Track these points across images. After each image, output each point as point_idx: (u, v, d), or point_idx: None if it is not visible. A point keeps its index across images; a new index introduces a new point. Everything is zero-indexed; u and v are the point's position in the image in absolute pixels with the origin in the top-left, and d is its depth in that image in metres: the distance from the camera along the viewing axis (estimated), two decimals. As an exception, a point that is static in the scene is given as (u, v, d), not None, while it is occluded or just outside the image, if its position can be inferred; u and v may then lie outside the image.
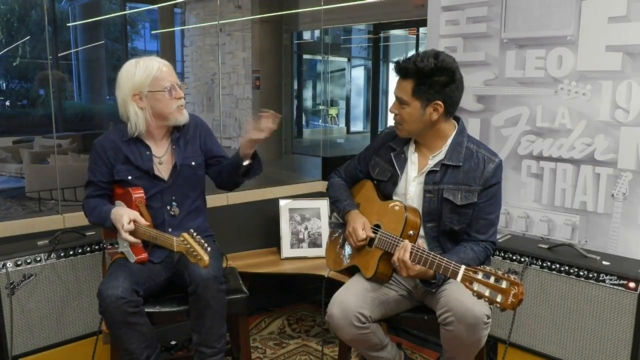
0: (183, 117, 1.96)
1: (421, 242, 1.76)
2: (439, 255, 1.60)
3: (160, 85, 1.89)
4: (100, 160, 1.95)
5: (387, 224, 1.80)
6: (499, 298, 1.44)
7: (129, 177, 1.94)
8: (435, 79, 1.68)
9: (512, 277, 1.44)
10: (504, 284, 1.44)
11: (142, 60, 1.91)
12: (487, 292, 1.46)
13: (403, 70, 1.72)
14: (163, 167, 1.98)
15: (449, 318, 1.62)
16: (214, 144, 2.11)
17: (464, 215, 1.76)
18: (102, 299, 1.75)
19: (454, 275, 1.54)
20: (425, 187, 1.78)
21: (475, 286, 1.48)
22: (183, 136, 2.02)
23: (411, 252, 1.64)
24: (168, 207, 1.99)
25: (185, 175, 2.01)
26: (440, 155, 1.79)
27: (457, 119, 1.83)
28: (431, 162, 1.79)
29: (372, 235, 1.82)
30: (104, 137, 1.98)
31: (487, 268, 1.49)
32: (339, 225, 1.99)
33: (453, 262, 1.56)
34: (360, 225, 1.82)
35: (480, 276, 1.48)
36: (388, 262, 1.76)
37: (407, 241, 1.68)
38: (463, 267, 1.53)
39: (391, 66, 12.16)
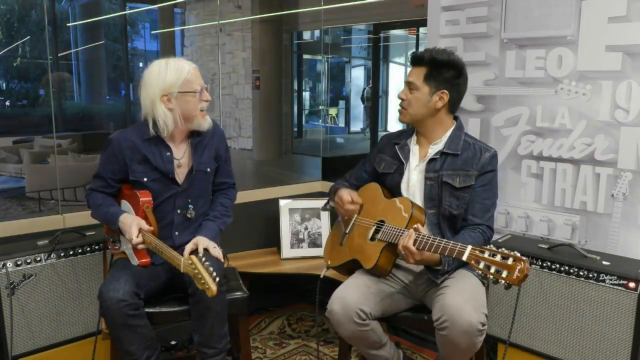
0: (205, 123, 1.96)
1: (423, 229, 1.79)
2: (444, 240, 1.64)
3: (191, 87, 1.89)
4: (114, 157, 1.91)
5: (392, 219, 1.84)
6: (504, 274, 1.47)
7: (145, 179, 1.91)
8: (446, 70, 1.84)
9: (517, 254, 1.48)
10: (509, 261, 1.48)
11: (172, 61, 1.89)
12: (492, 270, 1.49)
13: (419, 57, 1.87)
14: (180, 171, 1.96)
15: (444, 323, 1.63)
16: (224, 154, 2.10)
17: (462, 199, 1.83)
18: (102, 301, 1.75)
19: (460, 255, 1.58)
20: (426, 174, 1.88)
21: (481, 264, 1.52)
22: (201, 142, 2.00)
23: (415, 239, 1.68)
24: (179, 211, 1.97)
25: (199, 181, 2.00)
26: (440, 144, 1.89)
27: (456, 118, 1.95)
28: (431, 151, 1.89)
29: (359, 201, 1.94)
30: (122, 134, 1.93)
31: (493, 247, 1.53)
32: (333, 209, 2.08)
33: (459, 244, 1.60)
34: (345, 192, 1.95)
35: (486, 255, 1.52)
36: (390, 255, 1.81)
37: (411, 230, 1.71)
38: (469, 247, 1.57)
39: (391, 66, 12.21)
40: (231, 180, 2.15)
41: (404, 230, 1.75)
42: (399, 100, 1.93)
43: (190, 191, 1.98)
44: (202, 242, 1.88)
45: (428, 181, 1.87)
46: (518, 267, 1.45)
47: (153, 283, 1.91)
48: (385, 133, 2.14)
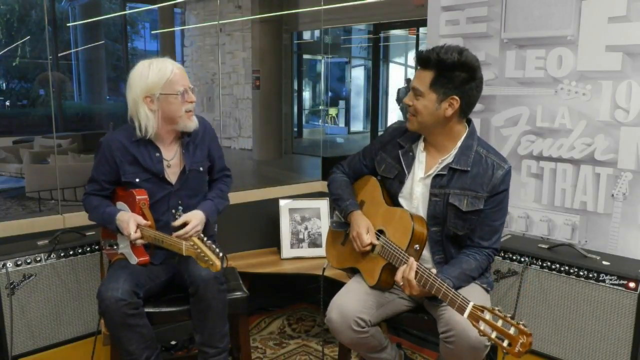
0: (192, 124, 1.93)
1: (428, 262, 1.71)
2: (445, 284, 1.55)
3: (173, 89, 1.86)
4: (105, 159, 1.93)
5: (392, 233, 1.76)
6: (505, 343, 1.39)
7: (137, 180, 1.91)
8: (456, 74, 1.63)
9: (521, 324, 1.38)
10: (512, 330, 1.38)
11: (156, 62, 1.88)
12: (493, 334, 1.41)
13: (425, 60, 1.67)
14: (171, 171, 1.96)
15: (450, 338, 1.60)
16: (217, 153, 2.10)
17: (468, 221, 1.72)
18: (101, 300, 1.75)
19: (461, 310, 1.49)
20: (431, 190, 1.74)
21: (482, 325, 1.44)
22: (192, 141, 2.00)
23: (417, 272, 1.60)
24: (173, 211, 1.97)
25: (192, 180, 2.00)
26: (448, 158, 1.74)
27: (469, 122, 1.78)
28: (439, 165, 1.74)
29: (376, 242, 1.78)
30: (111, 136, 1.95)
31: (496, 309, 1.43)
32: (342, 225, 1.96)
33: (461, 296, 1.50)
34: (364, 230, 1.78)
35: (488, 317, 1.43)
36: (391, 272, 1.73)
37: (412, 259, 1.63)
38: (471, 304, 1.47)
39: (391, 66, 12.21)
40: (227, 172, 2.17)
41: (404, 254, 1.67)
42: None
43: (183, 191, 1.98)
44: (192, 218, 1.90)
45: (433, 197, 1.73)
46: (520, 341, 1.36)
47: (152, 283, 1.91)
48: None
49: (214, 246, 1.69)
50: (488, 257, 1.75)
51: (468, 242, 1.76)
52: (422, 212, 1.77)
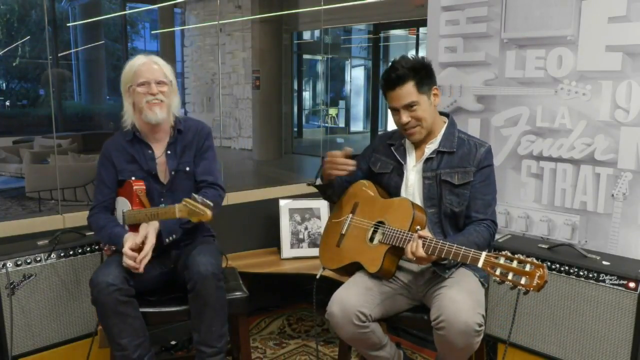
0: (152, 115, 1.92)
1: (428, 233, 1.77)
2: (455, 245, 1.62)
3: (137, 80, 1.94)
4: (107, 161, 1.99)
5: (392, 221, 1.82)
6: (523, 280, 1.46)
7: (132, 178, 1.95)
8: (427, 69, 1.84)
9: (535, 260, 1.47)
10: (527, 267, 1.46)
11: (133, 58, 1.99)
12: (510, 276, 1.48)
13: (399, 78, 1.80)
14: (160, 169, 1.99)
15: (441, 323, 1.63)
16: (202, 155, 2.05)
17: (462, 196, 1.83)
18: (93, 287, 1.76)
19: (475, 261, 1.56)
20: (423, 174, 1.87)
21: (498, 271, 1.50)
22: (180, 141, 2.02)
23: (423, 244, 1.67)
24: None
25: (181, 181, 2.01)
26: (435, 143, 1.89)
27: (447, 115, 1.95)
28: (427, 151, 1.88)
29: (350, 151, 1.87)
30: (111, 139, 2.04)
31: (508, 253, 1.52)
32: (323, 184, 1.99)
33: (472, 250, 1.58)
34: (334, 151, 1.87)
35: (502, 261, 1.51)
36: (393, 258, 1.80)
37: (416, 235, 1.70)
38: (484, 253, 1.55)
39: (391, 66, 12.19)
40: (211, 178, 2.03)
41: (408, 233, 1.74)
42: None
43: (174, 191, 1.99)
44: (146, 230, 1.85)
45: (426, 180, 1.86)
46: (537, 274, 1.44)
47: (146, 274, 1.86)
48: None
49: (207, 201, 1.70)
50: (487, 227, 1.83)
51: (466, 221, 1.86)
52: (417, 196, 1.88)
